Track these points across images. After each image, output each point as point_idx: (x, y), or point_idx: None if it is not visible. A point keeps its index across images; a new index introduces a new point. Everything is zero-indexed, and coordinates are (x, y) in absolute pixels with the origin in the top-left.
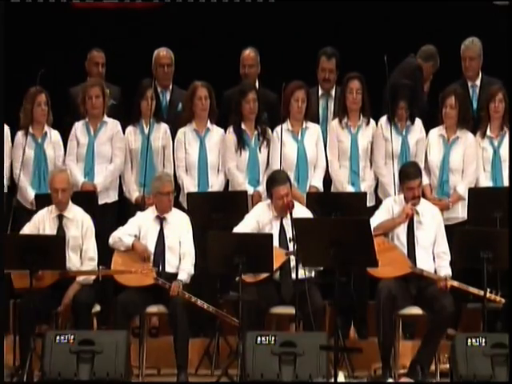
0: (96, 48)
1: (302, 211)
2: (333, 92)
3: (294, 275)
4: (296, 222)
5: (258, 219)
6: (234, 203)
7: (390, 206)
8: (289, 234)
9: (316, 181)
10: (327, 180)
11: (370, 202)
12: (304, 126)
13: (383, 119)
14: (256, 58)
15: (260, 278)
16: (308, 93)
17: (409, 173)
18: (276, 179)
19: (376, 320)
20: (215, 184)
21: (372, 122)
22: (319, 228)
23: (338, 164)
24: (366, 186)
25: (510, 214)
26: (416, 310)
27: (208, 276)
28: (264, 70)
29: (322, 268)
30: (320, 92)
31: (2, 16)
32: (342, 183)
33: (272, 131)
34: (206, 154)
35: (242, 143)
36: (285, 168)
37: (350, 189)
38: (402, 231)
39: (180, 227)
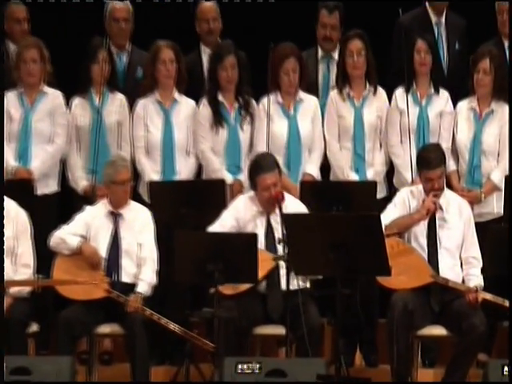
0: (14, 1)
1: (294, 205)
2: (335, 54)
3: (284, 286)
4: (287, 219)
5: (238, 215)
6: (209, 195)
7: (406, 199)
8: (278, 233)
9: (312, 167)
10: (325, 166)
11: (381, 193)
12: (297, 98)
13: (400, 89)
14: (217, 10)
15: (241, 289)
16: (301, 59)
17: (428, 160)
18: (261, 165)
19: (388, 343)
20: (184, 170)
21: (381, 91)
22: (316, 226)
23: (337, 145)
24: (375, 172)
25: (510, 213)
26: (439, 330)
27: (175, 287)
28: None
29: (319, 277)
30: (320, 54)
31: (2, 16)
32: (343, 170)
33: (257, 103)
34: (172, 132)
35: (218, 119)
36: (273, 151)
37: (353, 176)
38: (421, 230)
39: (139, 225)
